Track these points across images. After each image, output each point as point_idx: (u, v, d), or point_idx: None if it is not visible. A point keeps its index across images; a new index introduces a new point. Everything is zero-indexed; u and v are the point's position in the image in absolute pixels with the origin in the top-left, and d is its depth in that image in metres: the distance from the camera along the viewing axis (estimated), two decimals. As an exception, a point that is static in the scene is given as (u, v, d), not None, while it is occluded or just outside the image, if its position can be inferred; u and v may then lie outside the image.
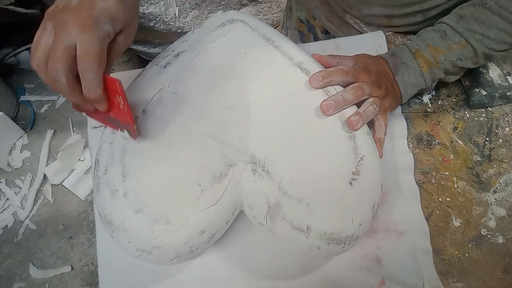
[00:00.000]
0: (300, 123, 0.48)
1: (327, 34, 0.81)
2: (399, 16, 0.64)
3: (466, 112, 0.61)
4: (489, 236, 0.54)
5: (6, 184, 1.26)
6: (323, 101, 0.48)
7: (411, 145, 0.59)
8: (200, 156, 0.46)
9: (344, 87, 0.51)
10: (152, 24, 1.16)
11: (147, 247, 0.43)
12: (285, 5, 1.36)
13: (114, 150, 0.46)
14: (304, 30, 0.86)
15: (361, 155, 0.46)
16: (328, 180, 0.45)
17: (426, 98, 0.62)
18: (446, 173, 0.57)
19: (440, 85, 0.63)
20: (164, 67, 0.51)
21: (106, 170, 0.45)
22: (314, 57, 0.54)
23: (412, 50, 0.56)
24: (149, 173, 0.45)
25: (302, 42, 0.88)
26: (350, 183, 0.45)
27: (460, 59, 0.55)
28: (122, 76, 0.66)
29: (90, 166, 0.54)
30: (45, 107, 1.42)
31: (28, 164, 1.30)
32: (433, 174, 0.57)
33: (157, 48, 1.29)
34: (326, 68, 0.52)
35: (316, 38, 0.84)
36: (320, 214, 0.44)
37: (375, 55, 0.59)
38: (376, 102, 0.52)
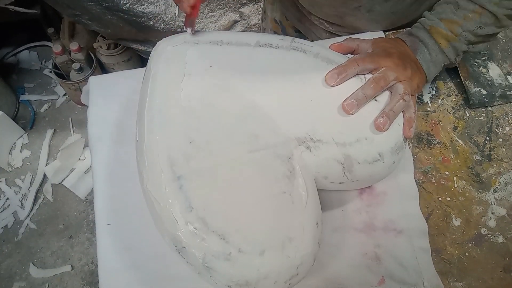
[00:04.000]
0: (311, 87, 0.49)
1: (300, 34, 0.82)
2: (348, 14, 0.64)
3: (466, 112, 0.61)
4: (489, 235, 0.54)
5: (6, 184, 1.26)
6: (344, 101, 0.48)
7: (411, 145, 0.59)
8: (262, 172, 0.46)
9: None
10: (152, 23, 1.16)
11: (293, 272, 0.44)
12: (285, 4, 1.36)
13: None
14: (278, 31, 0.87)
15: None
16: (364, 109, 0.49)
17: (426, 98, 0.62)
18: (446, 172, 0.57)
19: (440, 84, 0.63)
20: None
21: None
22: (332, 47, 0.53)
23: (427, 27, 0.54)
24: (243, 216, 0.44)
25: None
26: None
27: (480, 27, 0.53)
28: (123, 76, 0.66)
29: (90, 166, 0.54)
30: (45, 106, 1.42)
31: (28, 163, 1.30)
32: (433, 173, 0.57)
33: (157, 48, 1.29)
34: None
35: None
36: (380, 137, 0.48)
37: (392, 37, 0.57)
38: (406, 91, 0.50)
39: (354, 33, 0.68)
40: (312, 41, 0.78)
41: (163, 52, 0.50)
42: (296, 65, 0.51)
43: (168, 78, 0.49)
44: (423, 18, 0.55)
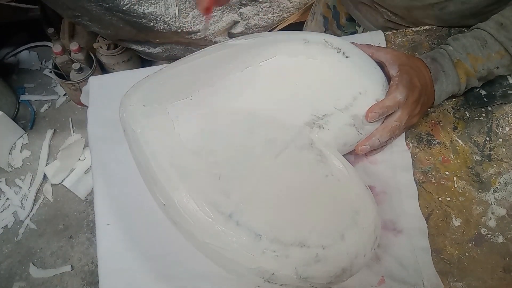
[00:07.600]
0: (289, 72, 0.51)
1: (351, 22, 0.82)
2: (418, 8, 0.65)
3: (466, 112, 0.61)
4: (489, 235, 0.54)
5: (6, 184, 1.27)
6: (359, 144, 0.52)
7: (411, 145, 0.59)
8: (297, 168, 0.46)
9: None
10: (152, 24, 1.16)
11: (373, 238, 0.45)
12: (285, 5, 1.36)
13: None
14: (329, 16, 0.88)
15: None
16: None
17: (426, 98, 0.62)
18: (446, 172, 0.57)
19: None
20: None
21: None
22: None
23: (454, 59, 0.56)
24: (291, 211, 0.44)
25: (325, 28, 0.90)
26: None
27: (497, 67, 0.55)
28: (122, 76, 0.66)
29: (90, 166, 0.54)
30: (45, 106, 1.42)
31: (28, 163, 1.30)
32: (433, 173, 0.57)
33: (157, 48, 1.29)
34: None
35: (338, 26, 0.86)
36: (370, 85, 0.53)
37: (414, 56, 0.58)
38: (400, 127, 0.53)
39: (412, 26, 0.69)
40: (364, 29, 0.79)
41: (138, 108, 0.48)
42: (265, 57, 0.51)
43: (161, 131, 0.46)
44: (450, 48, 0.56)
